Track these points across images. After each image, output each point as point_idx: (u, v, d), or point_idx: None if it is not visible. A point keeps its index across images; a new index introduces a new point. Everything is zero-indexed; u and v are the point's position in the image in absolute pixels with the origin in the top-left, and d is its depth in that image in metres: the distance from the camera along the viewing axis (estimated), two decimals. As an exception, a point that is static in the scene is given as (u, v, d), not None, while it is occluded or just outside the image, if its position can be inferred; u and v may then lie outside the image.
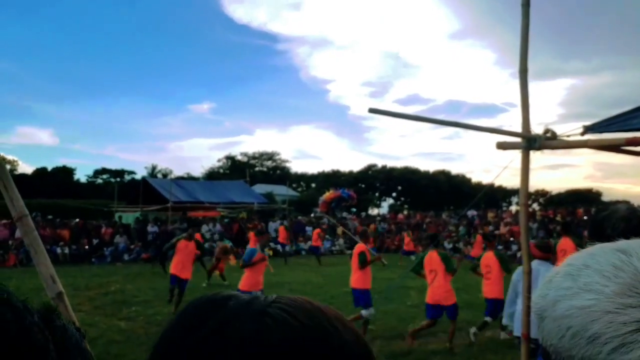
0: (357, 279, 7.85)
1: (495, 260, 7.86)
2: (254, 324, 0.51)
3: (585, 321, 0.56)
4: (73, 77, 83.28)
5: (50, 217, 24.85)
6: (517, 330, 4.63)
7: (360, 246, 8.19)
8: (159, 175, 55.79)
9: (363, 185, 61.59)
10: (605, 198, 56.29)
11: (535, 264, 4.83)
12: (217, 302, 0.56)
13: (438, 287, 7.39)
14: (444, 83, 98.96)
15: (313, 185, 63.35)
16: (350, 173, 65.99)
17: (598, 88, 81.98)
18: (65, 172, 56.93)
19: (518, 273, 5.16)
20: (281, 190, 41.26)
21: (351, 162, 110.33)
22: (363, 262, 7.83)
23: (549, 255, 5.24)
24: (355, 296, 7.85)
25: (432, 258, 7.51)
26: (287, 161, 70.37)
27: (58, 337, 0.56)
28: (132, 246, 22.09)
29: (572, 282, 0.60)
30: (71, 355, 0.56)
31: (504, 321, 5.56)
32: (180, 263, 10.20)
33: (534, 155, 2.62)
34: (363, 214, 42.08)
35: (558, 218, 27.15)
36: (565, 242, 8.15)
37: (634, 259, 0.57)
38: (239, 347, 0.50)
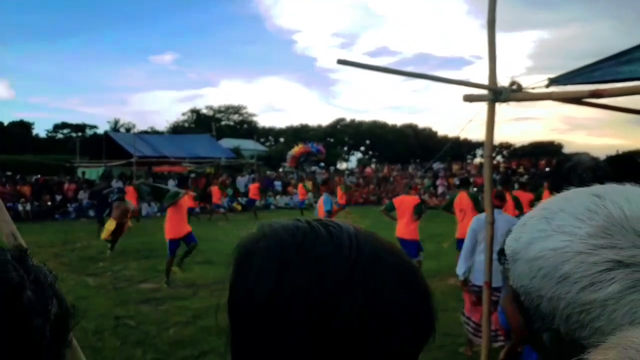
0: (410, 230, 8.17)
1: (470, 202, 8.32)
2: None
3: (556, 262, 0.57)
4: (29, 26, 79.06)
5: (9, 173, 24.04)
6: (479, 279, 4.78)
7: (414, 199, 8.53)
8: (122, 130, 54.33)
9: (332, 140, 61.57)
10: (566, 150, 58.06)
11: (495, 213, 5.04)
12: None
13: (465, 224, 7.89)
14: (413, 36, 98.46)
15: (281, 139, 62.91)
16: (319, 127, 65.75)
17: (566, 40, 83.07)
18: (23, 127, 54.76)
19: (477, 222, 5.25)
20: (249, 145, 40.92)
21: (320, 115, 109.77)
22: (419, 213, 8.27)
23: (504, 203, 5.61)
24: (405, 245, 8.02)
25: (462, 199, 8.21)
26: (254, 115, 69.39)
27: (33, 275, 0.55)
28: (96, 202, 21.69)
29: (547, 225, 0.61)
30: (46, 292, 0.55)
31: (458, 271, 5.49)
32: (182, 221, 8.65)
33: (500, 107, 2.65)
34: (332, 168, 42.27)
35: (520, 170, 27.91)
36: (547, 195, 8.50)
37: (608, 202, 0.58)
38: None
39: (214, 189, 20.56)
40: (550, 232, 0.60)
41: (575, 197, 0.63)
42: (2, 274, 0.52)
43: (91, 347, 5.16)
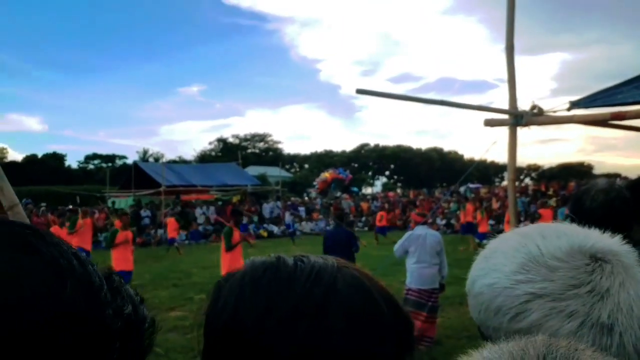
0: None
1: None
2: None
3: (491, 296, 0.66)
4: (61, 62, 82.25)
5: (43, 204, 24.68)
6: (411, 284, 6.28)
7: None
8: (151, 160, 55.46)
9: (356, 165, 61.64)
10: (596, 171, 56.76)
11: (420, 229, 6.28)
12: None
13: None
14: (435, 60, 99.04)
15: (306, 165, 63.22)
16: (343, 153, 65.95)
17: (589, 62, 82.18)
18: (55, 159, 56.45)
19: (408, 238, 6.30)
20: (274, 172, 41.12)
21: (344, 141, 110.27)
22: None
23: (426, 219, 6.76)
24: None
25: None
26: (279, 142, 70.07)
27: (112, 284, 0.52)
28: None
29: (485, 263, 0.71)
30: (122, 295, 0.53)
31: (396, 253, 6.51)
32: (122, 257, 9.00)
33: (524, 130, 2.64)
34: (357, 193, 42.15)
35: (550, 192, 27.35)
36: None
37: (529, 240, 0.67)
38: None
39: (170, 221, 18.80)
40: (487, 270, 0.69)
41: (508, 237, 0.72)
42: (85, 272, 0.48)
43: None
